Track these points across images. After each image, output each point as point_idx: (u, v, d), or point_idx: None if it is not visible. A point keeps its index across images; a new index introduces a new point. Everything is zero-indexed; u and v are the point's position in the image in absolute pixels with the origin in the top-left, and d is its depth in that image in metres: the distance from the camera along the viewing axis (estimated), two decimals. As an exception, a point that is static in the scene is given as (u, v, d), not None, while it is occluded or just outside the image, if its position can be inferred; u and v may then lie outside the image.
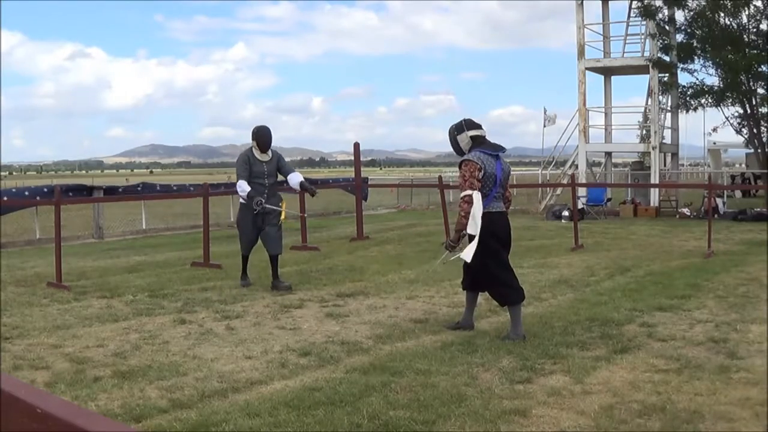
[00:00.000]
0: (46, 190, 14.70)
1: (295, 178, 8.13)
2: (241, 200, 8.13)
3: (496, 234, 5.56)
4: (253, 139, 8.06)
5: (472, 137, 5.67)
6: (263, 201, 7.84)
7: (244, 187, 7.78)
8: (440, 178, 15.80)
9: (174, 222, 17.96)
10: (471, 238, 5.50)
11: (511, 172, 5.80)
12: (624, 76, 23.09)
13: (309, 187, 8.27)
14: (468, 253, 5.48)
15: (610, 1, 21.49)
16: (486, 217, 5.47)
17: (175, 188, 18.25)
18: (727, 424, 3.78)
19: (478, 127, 5.74)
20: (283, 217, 8.25)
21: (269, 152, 8.06)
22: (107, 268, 9.89)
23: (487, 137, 5.74)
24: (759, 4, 17.60)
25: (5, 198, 14.05)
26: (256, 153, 7.99)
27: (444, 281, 8.10)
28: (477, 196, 5.43)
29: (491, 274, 5.70)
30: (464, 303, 6.15)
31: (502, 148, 5.72)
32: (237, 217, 8.55)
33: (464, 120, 5.80)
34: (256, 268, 9.49)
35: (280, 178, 8.37)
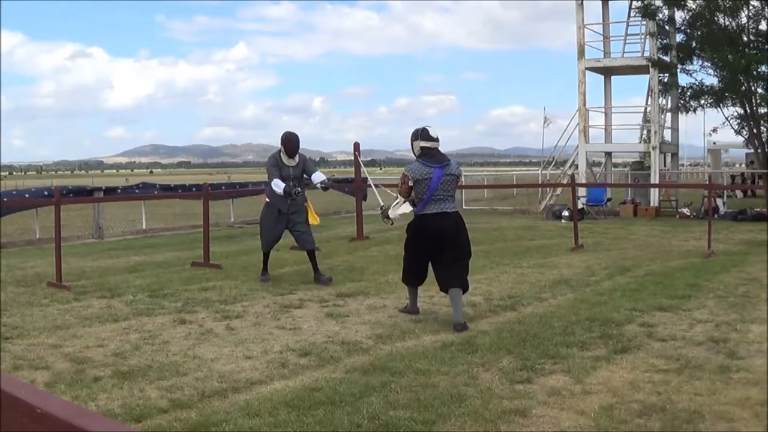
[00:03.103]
0: (46, 192, 14.68)
1: (317, 177, 8.55)
2: (266, 199, 8.62)
3: (424, 233, 6.40)
4: (281, 145, 8.47)
5: (421, 147, 6.38)
6: (300, 190, 8.32)
7: (279, 183, 8.23)
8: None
9: (174, 222, 17.95)
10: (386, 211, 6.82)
11: (461, 177, 6.76)
12: (624, 76, 23.07)
13: (328, 183, 8.81)
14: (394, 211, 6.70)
15: (610, 1, 21.49)
16: (418, 218, 6.40)
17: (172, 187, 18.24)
18: (727, 424, 3.78)
19: (431, 139, 6.38)
20: (313, 220, 8.71)
21: (296, 157, 8.46)
22: (107, 268, 9.89)
23: (438, 149, 6.40)
24: (758, 4, 17.60)
25: (5, 200, 14.03)
26: (284, 158, 8.41)
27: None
28: (400, 200, 6.57)
29: (404, 258, 6.70)
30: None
31: (443, 162, 6.34)
32: (261, 215, 8.90)
33: (421, 130, 6.44)
34: (257, 268, 9.49)
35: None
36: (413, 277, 6.65)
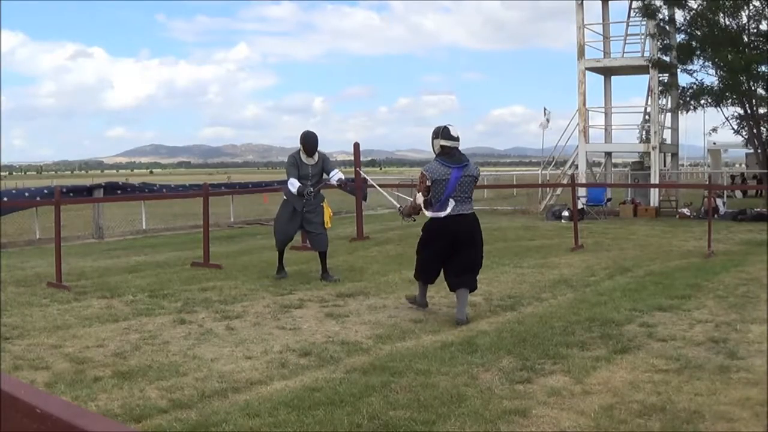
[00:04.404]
0: (46, 191, 14.68)
1: (335, 176, 8.64)
2: (284, 197, 8.79)
3: (440, 234, 6.41)
4: (300, 144, 8.60)
5: (441, 146, 6.38)
6: (312, 190, 8.43)
7: (294, 182, 8.37)
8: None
9: (174, 222, 17.95)
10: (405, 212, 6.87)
11: (479, 177, 6.82)
12: (624, 76, 23.08)
13: (345, 182, 9.02)
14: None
15: (610, 1, 21.51)
16: (436, 220, 6.40)
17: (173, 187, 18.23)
18: (727, 424, 3.78)
19: (451, 138, 6.37)
20: (328, 219, 8.81)
21: (315, 156, 8.59)
22: (107, 268, 9.89)
23: (458, 149, 6.41)
24: (759, 4, 17.60)
25: (5, 199, 14.03)
26: (303, 157, 8.54)
27: (443, 282, 8.08)
28: (419, 198, 6.50)
29: (418, 257, 6.76)
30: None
31: (461, 162, 6.35)
32: (276, 213, 9.04)
33: (442, 129, 6.42)
34: (257, 268, 9.50)
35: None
36: (426, 276, 6.70)
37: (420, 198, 6.48)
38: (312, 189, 8.40)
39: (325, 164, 8.65)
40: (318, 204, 8.60)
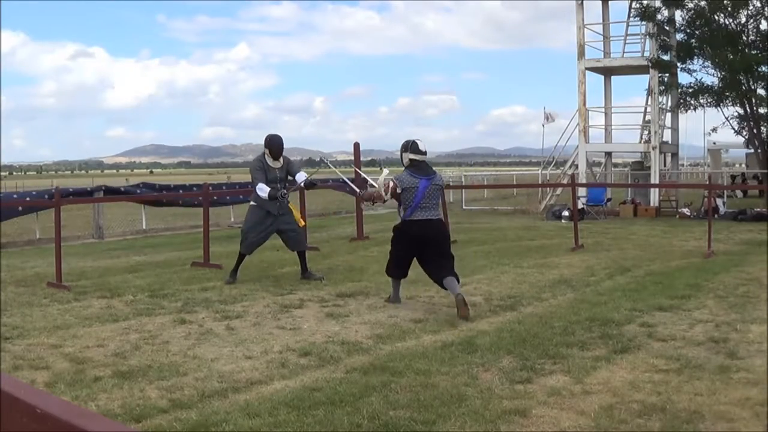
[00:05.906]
0: (46, 197, 14.62)
1: (301, 177, 8.57)
2: (252, 202, 8.62)
3: (410, 238, 6.90)
4: (266, 147, 8.50)
5: (410, 159, 6.92)
6: (285, 192, 8.34)
7: (264, 188, 8.21)
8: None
9: (174, 222, 17.95)
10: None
11: (444, 185, 7.48)
12: (624, 76, 23.08)
13: (311, 182, 8.84)
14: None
15: (610, 1, 21.51)
16: (406, 223, 6.90)
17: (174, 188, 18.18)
18: (727, 424, 3.78)
19: (419, 152, 6.93)
20: (299, 220, 8.83)
21: (281, 159, 8.51)
22: (107, 268, 9.89)
23: (425, 161, 6.98)
24: (758, 4, 17.60)
25: (6, 201, 13.99)
26: (269, 160, 8.45)
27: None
28: (380, 190, 7.05)
29: (390, 253, 7.22)
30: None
31: (428, 174, 6.92)
32: (246, 218, 8.85)
33: (411, 143, 6.95)
34: (257, 268, 9.50)
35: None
36: (397, 270, 7.14)
37: (381, 191, 7.06)
38: (285, 191, 8.30)
39: (290, 167, 8.57)
40: (287, 206, 8.56)
